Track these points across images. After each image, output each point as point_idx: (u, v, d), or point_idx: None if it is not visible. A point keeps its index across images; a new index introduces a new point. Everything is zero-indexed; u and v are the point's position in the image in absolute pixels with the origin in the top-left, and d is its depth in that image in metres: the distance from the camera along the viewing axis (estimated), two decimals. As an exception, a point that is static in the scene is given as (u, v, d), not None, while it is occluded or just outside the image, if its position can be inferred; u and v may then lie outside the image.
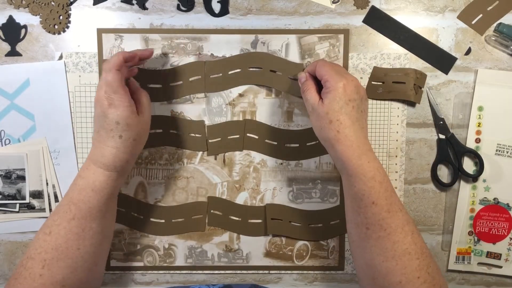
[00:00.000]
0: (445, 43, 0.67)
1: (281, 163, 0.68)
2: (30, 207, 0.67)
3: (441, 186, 0.68)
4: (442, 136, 0.67)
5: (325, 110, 0.54)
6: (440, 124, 0.67)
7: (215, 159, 0.67)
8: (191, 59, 0.66)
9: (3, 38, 0.66)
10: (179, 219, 0.68)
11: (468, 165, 0.68)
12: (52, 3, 0.65)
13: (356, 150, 0.53)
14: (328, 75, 0.55)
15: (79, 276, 0.55)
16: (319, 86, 0.58)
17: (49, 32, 0.65)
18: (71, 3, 0.65)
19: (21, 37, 0.66)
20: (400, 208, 0.54)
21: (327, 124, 0.54)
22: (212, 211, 0.68)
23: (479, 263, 0.69)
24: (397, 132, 0.67)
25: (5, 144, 0.66)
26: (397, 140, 0.68)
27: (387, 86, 0.66)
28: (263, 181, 0.68)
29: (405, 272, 0.52)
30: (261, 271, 0.69)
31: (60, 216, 0.54)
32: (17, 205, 0.67)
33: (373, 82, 0.66)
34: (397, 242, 0.52)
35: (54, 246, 0.53)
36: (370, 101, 0.67)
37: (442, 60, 0.67)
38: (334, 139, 0.53)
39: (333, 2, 0.66)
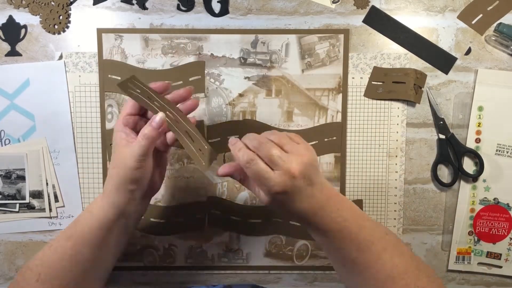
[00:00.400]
0: (445, 43, 0.67)
1: (281, 163, 0.68)
2: (30, 207, 0.67)
3: (441, 186, 0.68)
4: (442, 136, 0.67)
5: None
6: (440, 124, 0.67)
7: (215, 158, 0.67)
8: (191, 59, 0.66)
9: (3, 38, 0.66)
10: (179, 219, 0.68)
11: (468, 165, 0.68)
12: (52, 3, 0.65)
13: (303, 219, 0.51)
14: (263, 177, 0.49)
15: None
16: None
17: (49, 32, 0.65)
18: (71, 3, 0.65)
19: (21, 37, 0.66)
20: (372, 241, 0.50)
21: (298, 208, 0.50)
22: (212, 211, 0.68)
23: (479, 263, 0.69)
24: (397, 132, 0.67)
25: (5, 144, 0.66)
26: (397, 140, 0.68)
27: (387, 86, 0.66)
28: (263, 181, 0.68)
29: None
30: (261, 271, 0.69)
31: (63, 232, 0.54)
32: (17, 205, 0.67)
33: (373, 82, 0.66)
34: (377, 272, 0.50)
35: (50, 262, 0.52)
36: (370, 101, 0.67)
37: (442, 60, 0.67)
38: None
39: (333, 2, 0.66)
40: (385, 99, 0.67)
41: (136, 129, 0.54)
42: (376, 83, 0.66)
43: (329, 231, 0.50)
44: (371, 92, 0.66)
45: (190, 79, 0.66)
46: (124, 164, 0.51)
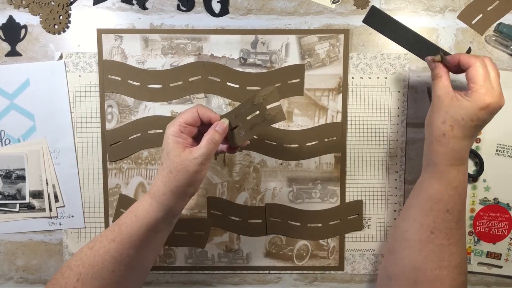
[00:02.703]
0: (445, 43, 0.67)
1: (281, 163, 0.68)
2: (30, 207, 0.67)
3: (441, 186, 0.68)
4: (442, 136, 0.67)
5: (446, 109, 0.52)
6: (440, 124, 0.67)
7: (215, 159, 0.67)
8: (191, 59, 0.66)
9: (3, 38, 0.66)
10: (181, 232, 0.68)
11: (468, 165, 0.67)
12: (52, 3, 0.65)
13: (451, 159, 0.53)
14: (480, 83, 0.50)
15: None
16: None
17: (49, 32, 0.65)
18: (71, 3, 0.65)
19: (21, 37, 0.66)
20: (464, 223, 0.54)
21: (439, 122, 0.52)
22: (212, 211, 0.68)
23: (479, 263, 0.69)
24: (397, 132, 0.67)
25: (5, 144, 0.66)
26: (397, 140, 0.68)
27: (246, 124, 0.54)
28: (263, 181, 0.68)
29: (453, 285, 0.52)
30: (261, 271, 0.69)
31: (105, 234, 0.54)
32: (17, 205, 0.67)
33: (234, 130, 0.55)
34: (454, 254, 0.52)
35: (92, 262, 0.53)
36: (370, 101, 0.67)
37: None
38: (437, 139, 0.53)
39: (333, 2, 0.66)
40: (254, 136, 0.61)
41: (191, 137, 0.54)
42: (237, 131, 0.55)
43: (454, 188, 0.53)
44: (238, 141, 0.55)
45: (190, 80, 0.66)
46: (185, 168, 0.51)
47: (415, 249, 0.54)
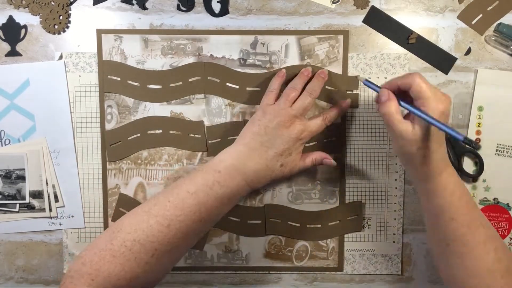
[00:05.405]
0: (445, 43, 0.67)
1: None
2: (30, 207, 0.67)
3: (441, 186, 0.68)
4: (442, 136, 0.67)
5: (416, 138, 0.51)
6: (440, 124, 0.67)
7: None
8: (191, 60, 0.66)
9: (3, 38, 0.66)
10: None
11: (468, 165, 0.67)
12: (52, 3, 0.65)
13: (436, 168, 0.52)
14: (428, 95, 0.50)
15: (173, 265, 0.57)
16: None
17: (49, 32, 0.65)
18: (71, 3, 0.65)
19: (21, 37, 0.66)
20: (482, 224, 0.53)
21: (414, 150, 0.52)
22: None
23: (479, 264, 0.69)
24: (397, 132, 0.67)
25: (5, 144, 0.66)
26: (397, 140, 0.67)
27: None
28: (262, 181, 0.68)
29: (500, 268, 0.51)
30: (260, 272, 0.69)
31: (185, 214, 0.54)
32: (17, 205, 0.67)
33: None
34: (479, 259, 0.51)
35: (172, 240, 0.53)
36: (370, 101, 0.67)
37: (442, 60, 0.67)
38: (420, 162, 0.52)
39: (333, 2, 0.66)
40: None
41: None
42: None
43: (450, 194, 0.52)
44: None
45: (190, 80, 0.66)
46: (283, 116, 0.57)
47: (443, 263, 0.54)
